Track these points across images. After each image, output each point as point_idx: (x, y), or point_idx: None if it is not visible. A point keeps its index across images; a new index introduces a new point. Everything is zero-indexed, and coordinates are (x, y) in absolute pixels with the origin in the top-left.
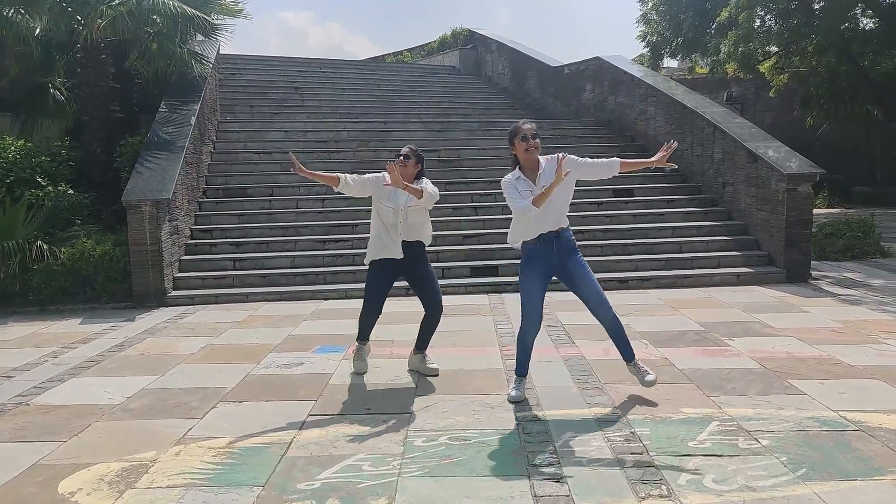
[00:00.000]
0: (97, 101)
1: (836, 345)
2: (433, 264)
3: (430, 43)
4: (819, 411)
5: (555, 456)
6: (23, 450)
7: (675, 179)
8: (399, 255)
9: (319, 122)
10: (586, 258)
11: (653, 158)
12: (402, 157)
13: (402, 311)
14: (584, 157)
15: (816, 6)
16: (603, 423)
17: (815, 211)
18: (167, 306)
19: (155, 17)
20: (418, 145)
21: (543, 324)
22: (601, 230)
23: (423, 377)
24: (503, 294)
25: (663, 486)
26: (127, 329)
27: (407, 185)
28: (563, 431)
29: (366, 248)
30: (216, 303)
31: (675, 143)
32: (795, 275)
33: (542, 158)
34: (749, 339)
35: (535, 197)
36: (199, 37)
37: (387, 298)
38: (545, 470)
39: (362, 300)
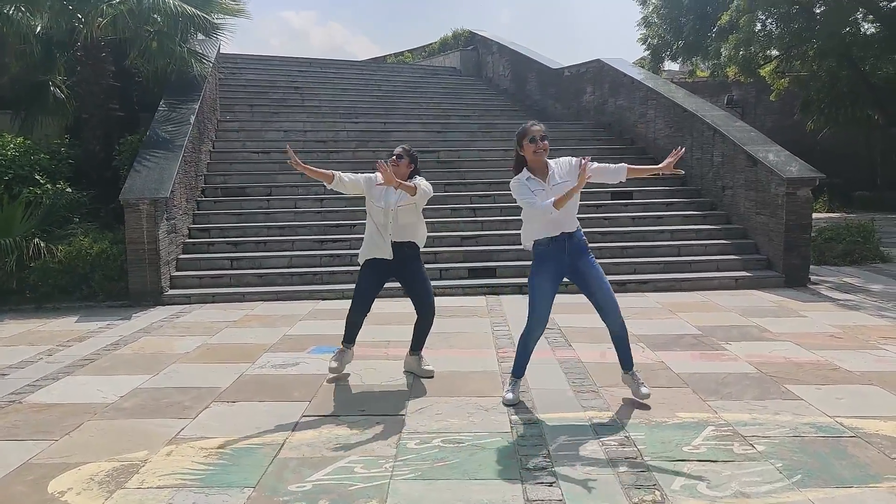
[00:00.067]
0: (97, 99)
1: (834, 350)
2: (430, 265)
3: (431, 44)
4: (815, 417)
5: (548, 459)
6: (14, 448)
7: (674, 183)
8: (389, 255)
9: (319, 122)
10: None
11: (661, 165)
12: (394, 157)
13: (399, 312)
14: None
15: (817, 11)
16: (598, 426)
17: (815, 215)
18: (164, 305)
19: (155, 15)
20: (418, 146)
21: None
22: (600, 233)
23: (419, 379)
24: (501, 296)
25: (657, 492)
26: (123, 328)
27: (400, 183)
28: (558, 435)
29: None
30: (213, 302)
31: (683, 150)
32: (794, 279)
33: (550, 162)
34: (746, 343)
35: (556, 199)
36: (200, 36)
37: (385, 299)
38: (538, 473)
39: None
